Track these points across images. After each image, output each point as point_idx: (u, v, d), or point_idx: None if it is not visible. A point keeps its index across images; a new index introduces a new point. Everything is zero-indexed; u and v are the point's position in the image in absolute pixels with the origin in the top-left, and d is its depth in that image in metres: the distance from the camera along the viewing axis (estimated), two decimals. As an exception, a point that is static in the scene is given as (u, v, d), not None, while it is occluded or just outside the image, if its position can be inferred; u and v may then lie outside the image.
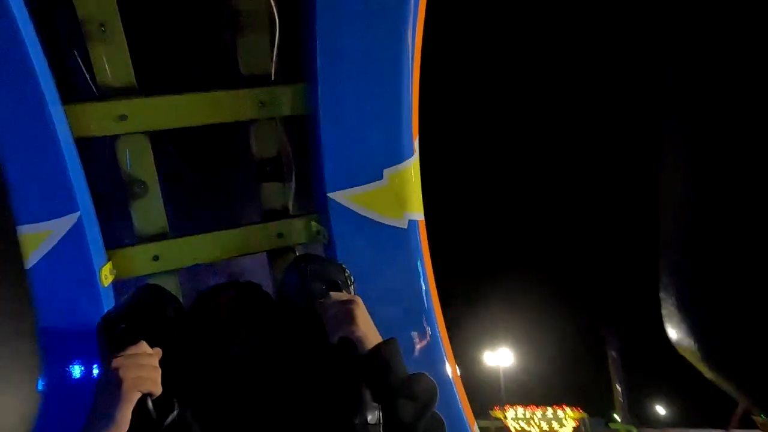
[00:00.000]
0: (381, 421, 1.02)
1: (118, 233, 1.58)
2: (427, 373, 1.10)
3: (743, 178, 0.41)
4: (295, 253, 1.69)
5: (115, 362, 0.98)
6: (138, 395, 0.97)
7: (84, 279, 1.33)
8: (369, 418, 1.01)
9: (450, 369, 1.53)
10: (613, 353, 19.99)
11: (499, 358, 22.90)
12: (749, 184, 0.40)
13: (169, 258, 1.55)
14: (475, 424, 1.54)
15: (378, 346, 1.09)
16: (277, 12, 1.60)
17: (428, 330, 1.56)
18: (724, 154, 0.42)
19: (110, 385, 0.95)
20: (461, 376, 1.63)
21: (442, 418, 1.06)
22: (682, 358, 0.44)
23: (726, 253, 0.41)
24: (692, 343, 0.43)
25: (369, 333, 1.11)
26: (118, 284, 1.49)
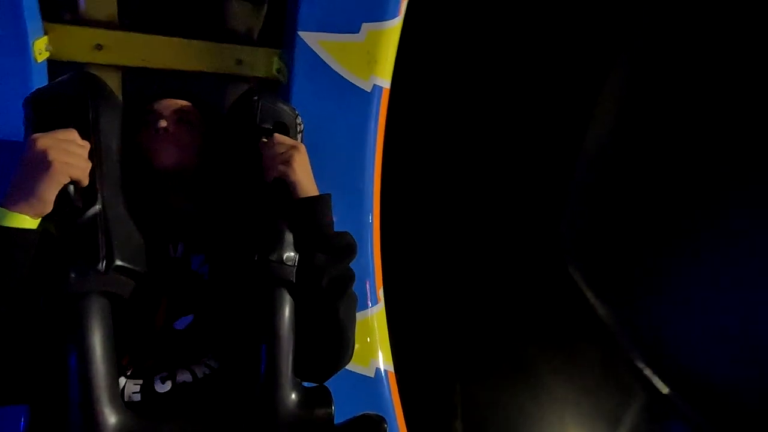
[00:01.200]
0: (295, 264, 1.08)
1: (61, 7, 1.43)
2: (350, 232, 1.15)
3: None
4: (249, 85, 1.61)
5: (45, 141, 0.94)
6: (66, 180, 0.95)
7: (15, 47, 1.22)
8: (285, 257, 1.06)
9: (373, 234, 1.60)
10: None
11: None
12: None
13: (114, 51, 1.44)
14: (381, 288, 1.66)
15: (310, 197, 1.12)
16: None
17: (364, 197, 1.60)
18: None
19: (38, 164, 0.92)
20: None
21: (353, 273, 1.14)
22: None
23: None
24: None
25: (305, 181, 1.12)
26: (53, 65, 1.38)
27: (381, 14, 1.49)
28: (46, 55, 1.33)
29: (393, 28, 1.52)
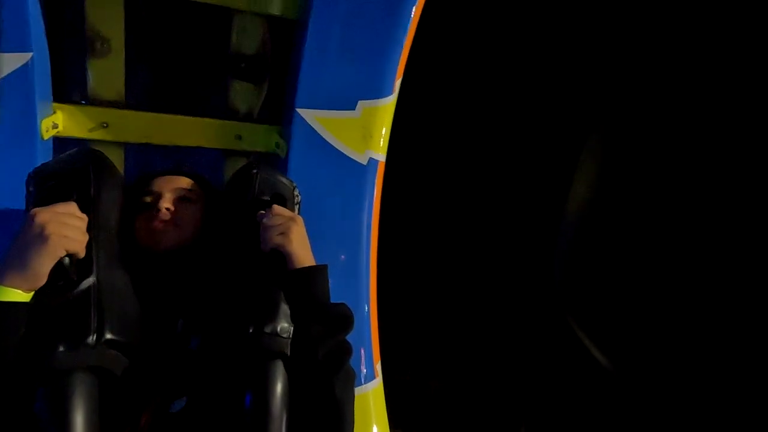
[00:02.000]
0: (290, 336, 1.05)
1: (70, 88, 1.50)
2: (346, 304, 1.14)
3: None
4: (248, 159, 1.66)
5: (44, 215, 0.95)
6: (63, 253, 0.95)
7: (23, 126, 1.26)
8: (279, 329, 1.04)
9: (370, 306, 1.58)
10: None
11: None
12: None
13: (118, 128, 1.49)
14: (379, 362, 1.62)
15: (306, 267, 1.11)
16: None
17: (362, 268, 1.59)
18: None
19: (35, 238, 0.93)
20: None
21: (351, 346, 1.11)
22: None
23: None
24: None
25: (302, 252, 1.12)
26: (59, 142, 1.42)
27: (376, 92, 1.56)
28: (53, 132, 1.37)
29: (387, 104, 1.59)
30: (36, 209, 0.97)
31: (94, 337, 0.94)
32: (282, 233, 1.11)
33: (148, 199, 1.21)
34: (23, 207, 1.11)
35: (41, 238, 0.92)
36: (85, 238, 0.99)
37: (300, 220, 1.16)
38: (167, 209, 1.18)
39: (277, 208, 1.16)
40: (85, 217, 1.01)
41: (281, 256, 1.12)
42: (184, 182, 1.27)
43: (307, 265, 1.12)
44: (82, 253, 0.99)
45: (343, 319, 1.12)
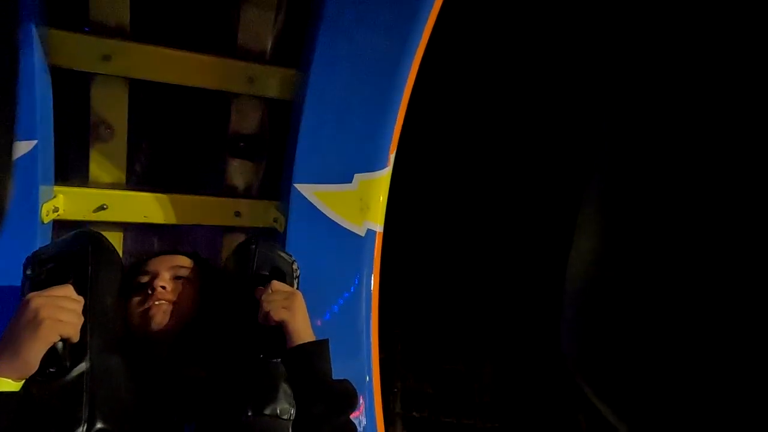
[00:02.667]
0: (292, 418, 1.01)
1: (70, 171, 1.53)
2: (349, 380, 1.11)
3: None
4: (247, 235, 1.67)
5: (38, 300, 0.94)
6: (56, 338, 0.93)
7: (24, 210, 1.27)
8: (279, 410, 1.00)
9: (374, 382, 1.54)
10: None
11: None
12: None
13: (118, 210, 1.50)
14: (384, 437, 1.55)
15: (307, 343, 1.09)
16: (288, -5, 1.59)
17: (362, 339, 1.57)
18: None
19: (27, 324, 0.91)
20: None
21: (355, 427, 1.07)
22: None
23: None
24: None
25: (302, 328, 1.11)
26: (59, 225, 1.43)
27: (372, 165, 1.60)
28: (53, 216, 1.39)
29: (383, 176, 1.62)
30: (30, 294, 0.96)
31: (85, 427, 0.91)
32: (282, 308, 1.10)
33: (144, 279, 1.21)
34: (23, 291, 1.09)
35: (34, 323, 0.91)
36: (80, 321, 0.98)
37: (299, 295, 1.16)
38: (163, 287, 1.17)
39: (277, 284, 1.16)
40: (81, 299, 1.00)
41: (281, 332, 1.10)
42: (181, 260, 1.27)
43: (307, 341, 1.10)
44: (76, 338, 0.97)
45: (347, 397, 1.08)
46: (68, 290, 0.99)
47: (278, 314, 1.09)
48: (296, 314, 1.11)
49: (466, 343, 2.97)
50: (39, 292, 0.96)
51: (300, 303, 1.14)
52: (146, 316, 1.14)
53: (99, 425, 0.92)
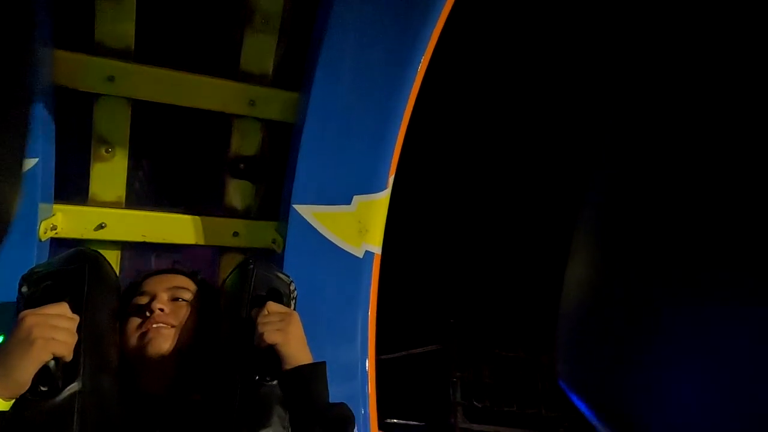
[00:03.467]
0: None
1: (70, 189, 1.53)
2: (346, 404, 1.09)
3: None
4: (245, 256, 1.66)
5: (32, 319, 0.93)
6: (48, 357, 0.92)
7: (22, 228, 1.27)
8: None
9: (370, 406, 1.51)
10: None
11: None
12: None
13: (116, 228, 1.50)
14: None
15: (303, 366, 1.08)
16: (291, 20, 1.62)
17: (358, 364, 1.55)
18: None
19: (20, 342, 0.90)
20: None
21: None
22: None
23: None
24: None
25: (297, 350, 1.09)
26: (56, 243, 1.43)
27: (371, 188, 1.61)
28: (51, 234, 1.38)
29: (382, 199, 1.63)
30: (24, 312, 0.95)
31: None
32: (278, 330, 1.09)
33: (142, 300, 1.19)
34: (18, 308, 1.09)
35: (27, 342, 0.90)
36: (74, 339, 0.97)
37: (296, 316, 1.15)
38: (161, 310, 1.16)
39: (272, 305, 1.15)
40: (75, 317, 0.99)
41: (276, 354, 1.09)
42: (179, 281, 1.26)
43: (304, 362, 1.09)
44: (69, 357, 0.96)
45: (343, 421, 1.06)
46: (63, 308, 0.98)
47: (272, 337, 1.08)
48: (290, 336, 1.09)
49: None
50: (33, 309, 0.96)
51: (295, 325, 1.13)
52: (144, 339, 1.13)
53: None
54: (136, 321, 1.16)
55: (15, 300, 1.11)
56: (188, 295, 1.23)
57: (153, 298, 1.18)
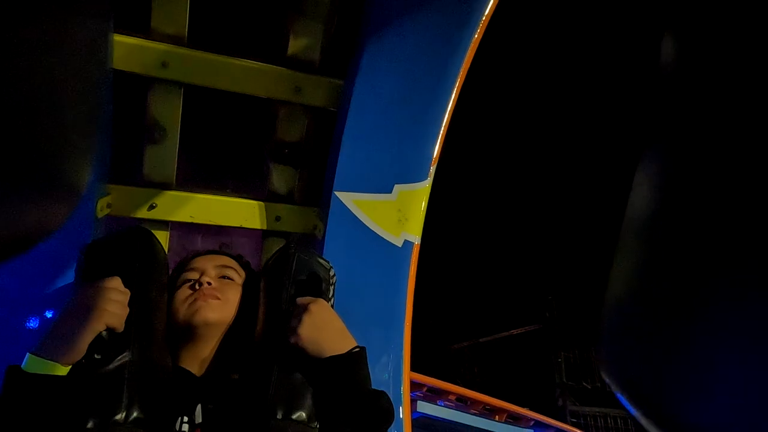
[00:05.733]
0: (318, 426, 1.02)
1: (124, 170, 1.60)
2: (386, 393, 1.09)
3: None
4: (287, 239, 1.70)
5: (88, 291, 0.99)
6: (102, 327, 0.98)
7: (82, 205, 1.34)
8: (307, 416, 1.00)
9: (403, 391, 1.53)
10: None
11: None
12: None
13: (166, 208, 1.56)
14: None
15: (339, 356, 1.06)
16: (338, 6, 1.63)
17: (392, 352, 1.56)
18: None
19: (77, 311, 0.96)
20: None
21: None
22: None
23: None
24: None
25: (325, 339, 1.08)
26: (111, 220, 1.50)
27: (412, 176, 1.61)
28: (107, 211, 1.46)
29: (423, 188, 1.63)
30: (81, 283, 1.01)
31: (124, 414, 0.94)
32: (299, 327, 1.08)
33: (191, 275, 1.24)
34: (77, 281, 1.15)
35: (82, 311, 0.96)
36: (125, 312, 1.02)
37: (318, 306, 1.12)
38: (209, 283, 1.20)
39: (300, 299, 1.15)
40: (127, 291, 1.05)
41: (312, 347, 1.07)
42: (226, 260, 1.30)
43: (339, 351, 1.07)
44: (120, 328, 1.01)
45: (383, 413, 1.03)
46: (116, 282, 1.04)
47: (294, 337, 1.08)
48: (314, 329, 1.07)
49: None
50: (89, 282, 1.02)
51: (318, 315, 1.10)
52: (191, 308, 1.16)
53: (136, 414, 0.96)
54: (184, 293, 1.20)
55: (74, 271, 1.18)
56: (234, 275, 1.27)
57: (202, 273, 1.23)
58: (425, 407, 3.99)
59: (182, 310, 1.18)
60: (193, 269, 1.25)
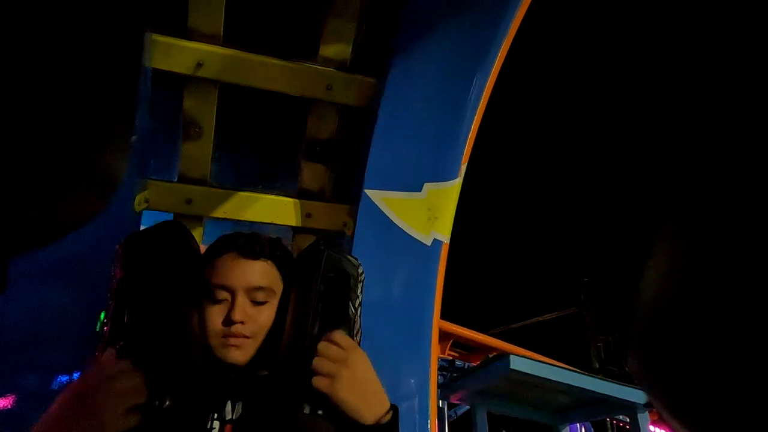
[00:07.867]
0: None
1: (160, 166, 1.65)
2: None
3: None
4: (317, 236, 1.72)
5: (94, 386, 0.92)
6: (122, 411, 0.92)
7: (121, 200, 1.39)
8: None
9: (431, 392, 1.53)
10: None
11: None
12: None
13: (200, 204, 1.60)
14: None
15: (386, 424, 0.99)
16: (370, 5, 1.63)
17: (423, 345, 1.56)
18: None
19: (90, 409, 0.91)
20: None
21: None
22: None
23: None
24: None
25: (353, 396, 1.00)
26: (148, 215, 1.55)
27: (442, 175, 1.60)
28: (144, 206, 1.50)
29: (453, 187, 1.62)
30: (85, 376, 0.95)
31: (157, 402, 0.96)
32: (329, 377, 0.99)
33: (221, 295, 1.12)
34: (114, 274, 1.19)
35: (96, 415, 0.90)
36: (144, 394, 0.96)
37: (356, 356, 1.02)
38: (241, 323, 1.10)
39: (337, 335, 1.03)
40: (139, 373, 0.98)
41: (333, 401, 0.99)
42: (259, 276, 1.16)
43: (361, 411, 0.98)
44: (144, 399, 0.95)
45: None
46: (124, 365, 0.96)
47: (318, 383, 0.98)
48: (344, 382, 0.98)
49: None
50: (95, 372, 0.95)
51: (353, 368, 1.00)
52: (222, 348, 1.10)
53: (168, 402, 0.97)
54: (215, 317, 1.12)
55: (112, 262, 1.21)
56: (269, 297, 1.16)
57: (233, 297, 1.12)
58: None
59: (212, 339, 1.11)
60: (222, 287, 1.12)
